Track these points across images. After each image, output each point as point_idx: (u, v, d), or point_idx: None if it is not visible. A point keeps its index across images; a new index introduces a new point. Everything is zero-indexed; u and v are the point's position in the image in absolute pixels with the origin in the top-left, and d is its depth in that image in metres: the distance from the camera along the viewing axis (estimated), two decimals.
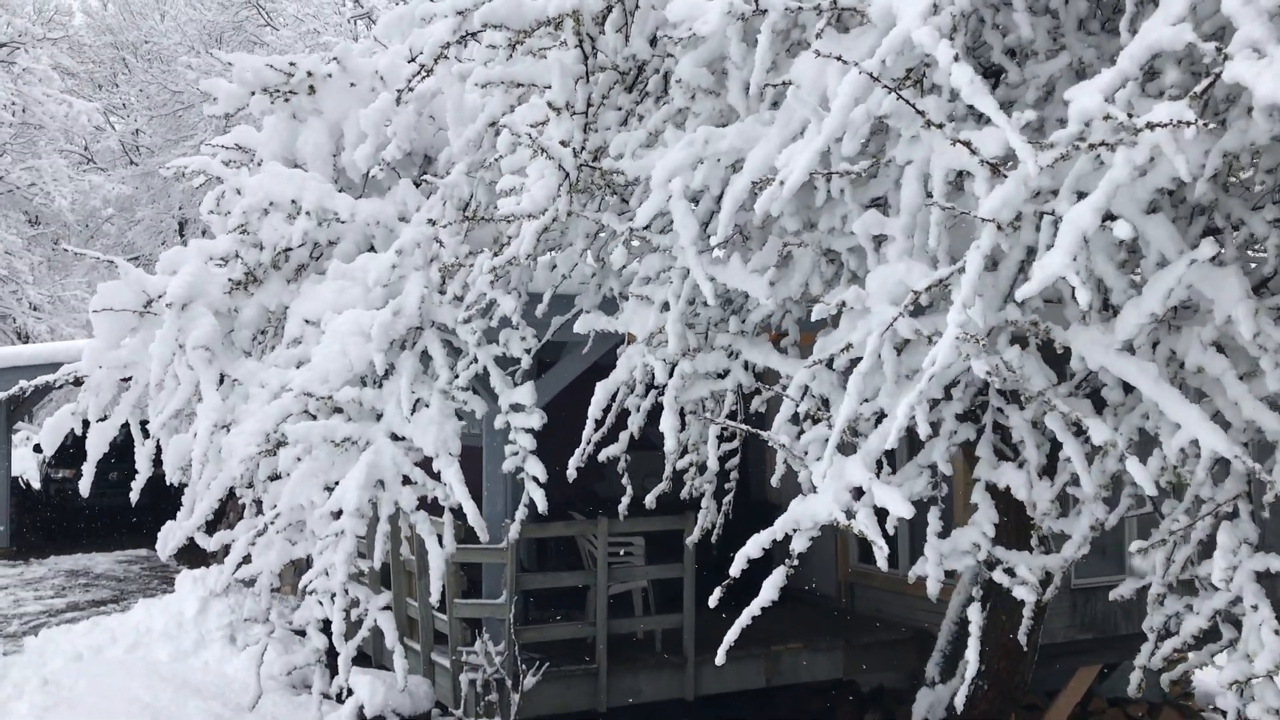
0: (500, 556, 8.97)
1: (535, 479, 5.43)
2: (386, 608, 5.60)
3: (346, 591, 5.38)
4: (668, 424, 4.30)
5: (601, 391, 4.74)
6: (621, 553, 9.97)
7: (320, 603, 5.51)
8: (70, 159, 33.95)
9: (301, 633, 9.52)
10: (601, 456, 5.38)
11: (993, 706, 6.80)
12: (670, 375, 4.45)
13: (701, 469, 5.43)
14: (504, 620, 8.91)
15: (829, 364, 4.10)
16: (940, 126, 3.25)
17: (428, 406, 5.53)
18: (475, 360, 5.59)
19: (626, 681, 9.42)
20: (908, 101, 3.24)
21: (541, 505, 5.35)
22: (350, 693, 8.26)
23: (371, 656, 10.55)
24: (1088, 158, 3.37)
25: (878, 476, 3.72)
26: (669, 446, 4.26)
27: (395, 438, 5.55)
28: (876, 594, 11.21)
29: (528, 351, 5.47)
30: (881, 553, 3.59)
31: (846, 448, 4.31)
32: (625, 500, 5.91)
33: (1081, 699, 10.88)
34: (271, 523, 5.45)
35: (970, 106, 3.74)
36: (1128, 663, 11.85)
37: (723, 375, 4.55)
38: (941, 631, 7.32)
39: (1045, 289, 3.84)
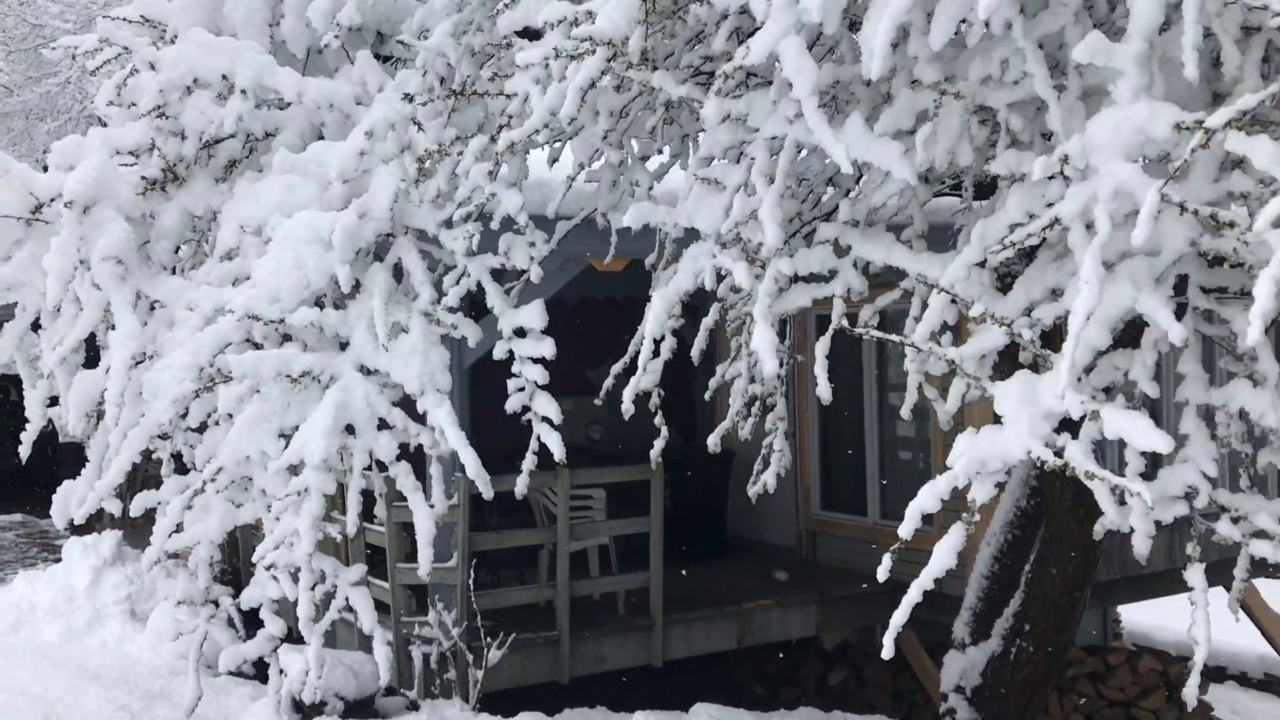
0: (451, 514, 7.82)
1: (548, 420, 4.32)
2: (361, 582, 4.44)
3: (312, 565, 4.21)
4: (763, 341, 3.22)
5: (660, 305, 3.63)
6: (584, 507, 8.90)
7: (275, 579, 4.32)
8: None
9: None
10: (630, 392, 4.30)
11: (1038, 670, 5.96)
12: (759, 279, 3.38)
13: (765, 407, 4.38)
14: (456, 586, 7.79)
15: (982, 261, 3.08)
16: None
17: (406, 332, 4.36)
18: (466, 274, 4.43)
19: (590, 648, 8.39)
20: None
21: (559, 452, 4.24)
22: (283, 673, 7.06)
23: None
24: None
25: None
26: (768, 371, 3.18)
27: (365, 371, 4.38)
28: (843, 544, 10.36)
29: (534, 260, 4.34)
30: (1107, 495, 2.61)
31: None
32: (659, 444, 4.85)
33: None
34: (211, 480, 4.23)
35: None
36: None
37: (827, 278, 3.49)
38: (970, 586, 6.43)
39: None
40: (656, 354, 4.35)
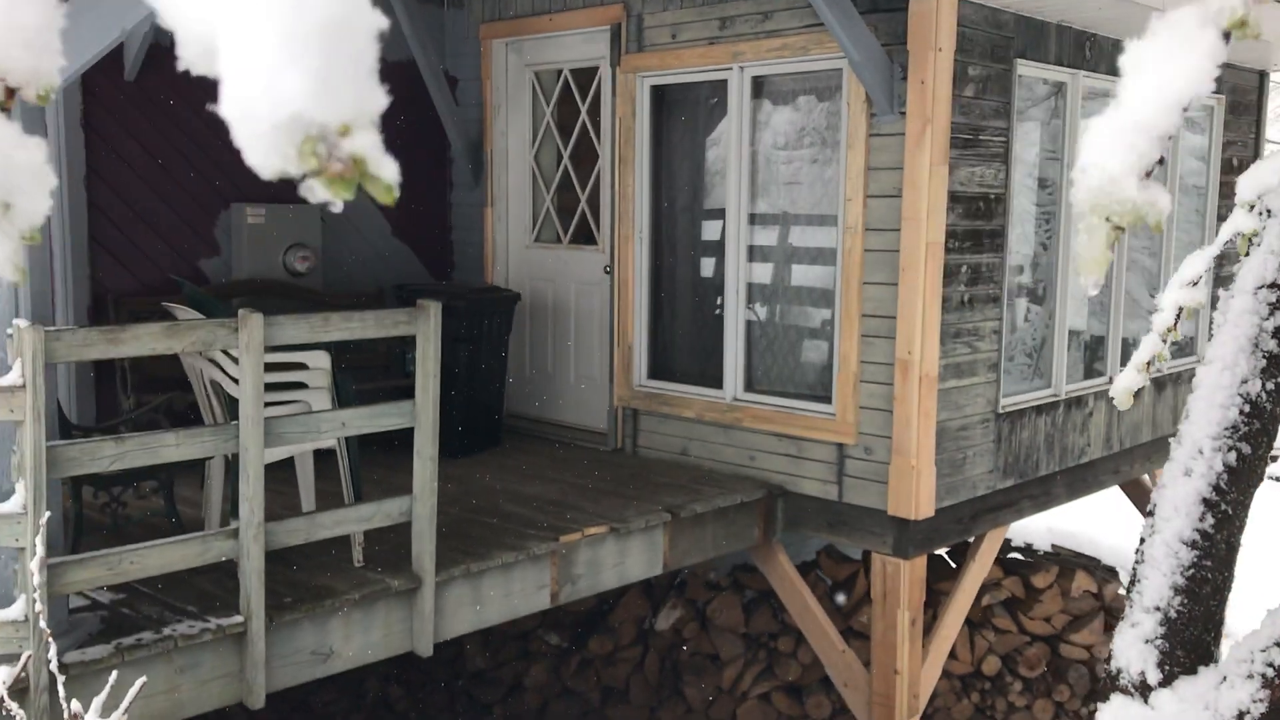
0: (9, 405, 3.65)
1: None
2: None
3: None
4: None
5: None
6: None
7: None
8: None
9: None
10: None
11: None
12: None
13: None
14: (25, 549, 3.65)
15: None
16: None
17: None
18: None
19: (304, 639, 4.48)
20: None
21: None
22: None
23: None
24: None
25: None
26: None
27: None
28: (682, 429, 6.81)
29: None
30: None
31: None
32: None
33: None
34: None
35: None
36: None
37: None
38: (1146, 561, 2.95)
39: None
40: None
